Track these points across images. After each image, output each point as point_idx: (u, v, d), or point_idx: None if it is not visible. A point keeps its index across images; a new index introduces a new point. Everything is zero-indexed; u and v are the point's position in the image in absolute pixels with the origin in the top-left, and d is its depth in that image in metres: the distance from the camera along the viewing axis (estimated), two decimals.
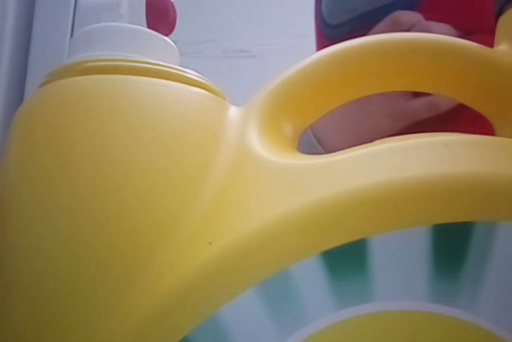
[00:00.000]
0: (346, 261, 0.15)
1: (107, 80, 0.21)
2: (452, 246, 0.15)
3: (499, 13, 0.24)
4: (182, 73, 0.21)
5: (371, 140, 0.18)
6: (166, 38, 0.24)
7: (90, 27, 0.23)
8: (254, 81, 0.28)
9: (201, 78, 0.22)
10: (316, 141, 0.41)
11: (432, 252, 0.15)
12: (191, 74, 0.22)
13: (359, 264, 0.15)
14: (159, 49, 0.23)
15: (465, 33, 0.37)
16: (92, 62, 0.21)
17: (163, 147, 0.19)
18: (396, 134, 0.19)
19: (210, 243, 0.16)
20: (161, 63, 0.21)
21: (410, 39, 0.22)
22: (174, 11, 0.26)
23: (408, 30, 0.36)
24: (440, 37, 0.22)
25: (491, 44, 0.22)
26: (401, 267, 0.15)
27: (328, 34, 0.47)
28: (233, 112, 0.22)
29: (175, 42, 0.24)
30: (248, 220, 0.17)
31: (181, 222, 0.18)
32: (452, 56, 0.22)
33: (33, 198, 0.19)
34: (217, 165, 0.19)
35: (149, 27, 0.24)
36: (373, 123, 0.38)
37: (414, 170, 0.16)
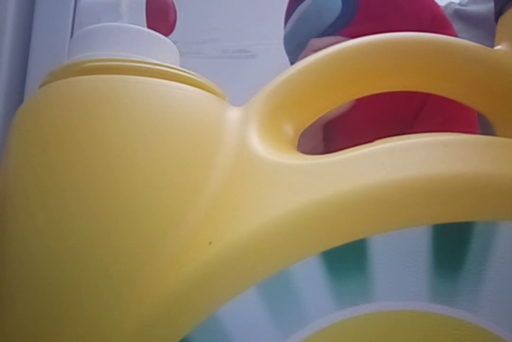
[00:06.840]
0: (346, 261, 0.15)
1: (107, 80, 0.21)
2: (452, 246, 0.15)
3: (499, 13, 0.24)
4: (182, 73, 0.21)
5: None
6: (166, 38, 0.24)
7: (90, 27, 0.23)
8: (254, 81, 0.28)
9: (201, 78, 0.22)
10: None
11: (432, 252, 0.15)
12: (191, 74, 0.22)
13: (359, 264, 0.15)
14: (159, 49, 0.23)
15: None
16: (92, 62, 0.21)
17: (163, 148, 0.19)
18: None
19: (210, 243, 0.16)
20: (161, 63, 0.21)
21: (410, 40, 0.22)
22: (174, 11, 0.26)
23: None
24: (440, 37, 0.22)
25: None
26: (401, 267, 0.15)
27: None
28: (233, 112, 0.22)
29: (175, 42, 0.24)
30: (248, 220, 0.17)
31: (181, 222, 0.18)
32: (452, 56, 0.22)
33: (34, 198, 0.19)
34: (217, 165, 0.19)
35: (149, 27, 0.24)
36: None
37: (414, 170, 0.16)
